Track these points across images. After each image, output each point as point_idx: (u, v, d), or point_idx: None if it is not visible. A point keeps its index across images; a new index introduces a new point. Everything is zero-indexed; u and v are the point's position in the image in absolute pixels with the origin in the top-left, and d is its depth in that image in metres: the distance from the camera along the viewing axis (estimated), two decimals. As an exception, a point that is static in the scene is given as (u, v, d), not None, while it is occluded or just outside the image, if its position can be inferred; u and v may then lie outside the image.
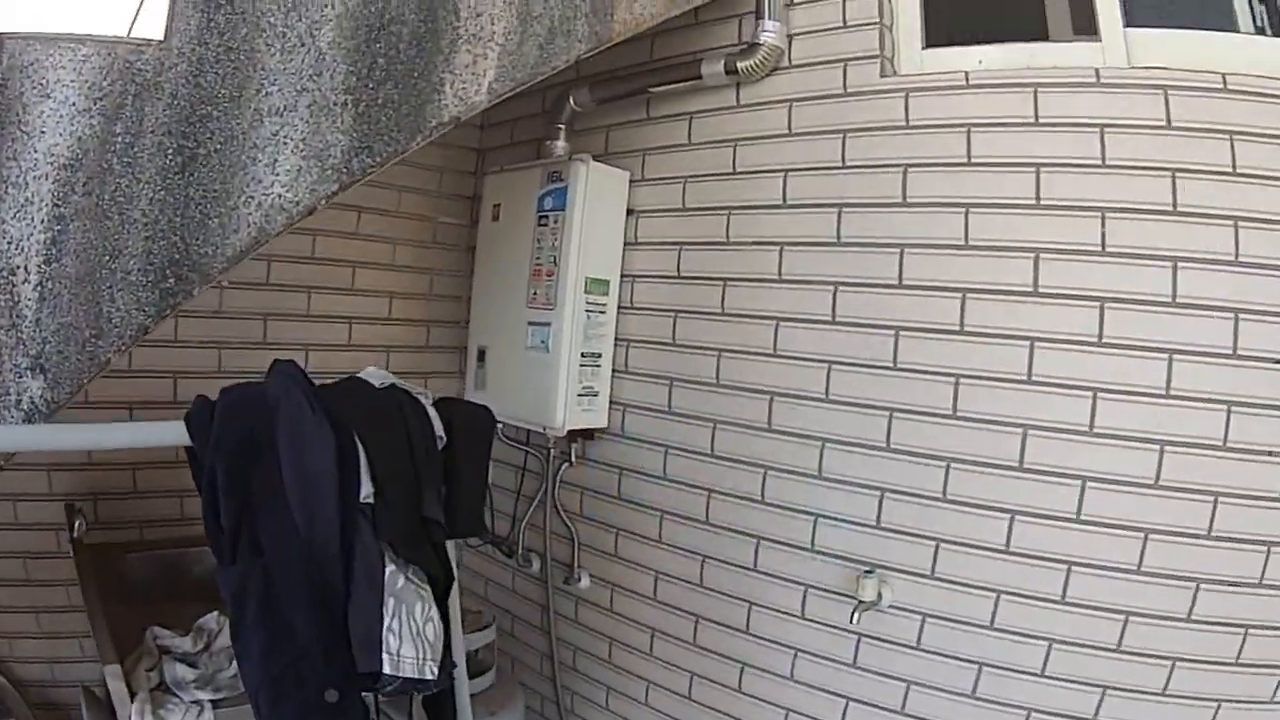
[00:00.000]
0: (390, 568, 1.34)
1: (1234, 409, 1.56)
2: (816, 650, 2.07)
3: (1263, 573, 1.54)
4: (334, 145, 1.34)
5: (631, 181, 2.42)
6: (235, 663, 1.49)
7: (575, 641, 2.62)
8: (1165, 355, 1.62)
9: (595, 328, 2.34)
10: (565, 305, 2.29)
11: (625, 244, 2.41)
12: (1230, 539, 1.57)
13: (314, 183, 1.31)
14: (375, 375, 1.55)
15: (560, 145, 2.49)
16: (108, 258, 1.22)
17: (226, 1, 1.24)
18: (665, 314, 2.33)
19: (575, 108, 2.44)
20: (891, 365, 1.90)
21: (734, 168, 2.22)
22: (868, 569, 1.91)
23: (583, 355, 2.33)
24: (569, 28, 1.62)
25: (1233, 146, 1.58)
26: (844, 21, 2.02)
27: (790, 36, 2.09)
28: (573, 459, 2.52)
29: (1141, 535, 1.64)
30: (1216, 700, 1.59)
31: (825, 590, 2.02)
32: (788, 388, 2.07)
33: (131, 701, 1.49)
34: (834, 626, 2.02)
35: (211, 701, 1.54)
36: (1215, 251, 1.59)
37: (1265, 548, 1.54)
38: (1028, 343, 1.74)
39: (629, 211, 2.40)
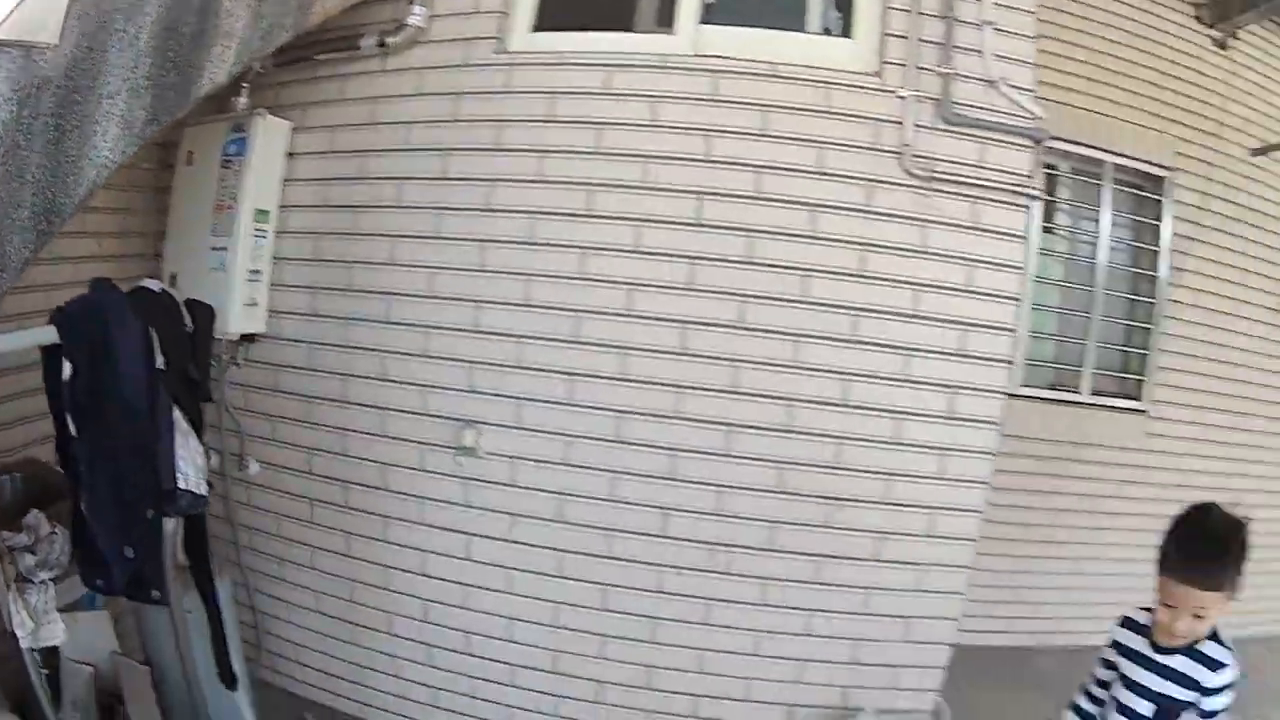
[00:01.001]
0: (176, 414, 2.00)
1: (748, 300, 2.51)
2: (438, 496, 2.83)
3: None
4: (138, 118, 1.87)
5: (294, 129, 3.03)
6: (65, 544, 2.08)
7: (251, 522, 3.20)
8: (688, 260, 2.55)
9: (259, 249, 2.94)
10: (239, 232, 2.88)
11: (284, 180, 3.02)
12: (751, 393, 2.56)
13: (124, 146, 1.79)
14: (153, 284, 2.21)
15: (243, 101, 3.03)
16: (11, 209, 1.73)
17: (94, 9, 1.76)
18: (311, 236, 2.97)
19: (258, 69, 2.99)
20: (480, 268, 2.69)
21: (374, 119, 2.90)
22: (466, 423, 2.70)
23: (249, 272, 2.93)
24: (283, 22, 2.22)
25: (765, 115, 2.51)
26: (475, 8, 2.76)
27: (432, 18, 2.80)
28: (239, 361, 3.10)
29: (677, 391, 2.58)
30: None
31: (438, 445, 2.78)
32: (405, 289, 2.80)
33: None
34: (448, 474, 2.78)
35: (52, 579, 2.05)
36: (735, 189, 2.52)
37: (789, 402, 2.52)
38: (580, 251, 2.60)
39: (290, 154, 3.01)
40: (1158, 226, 4.15)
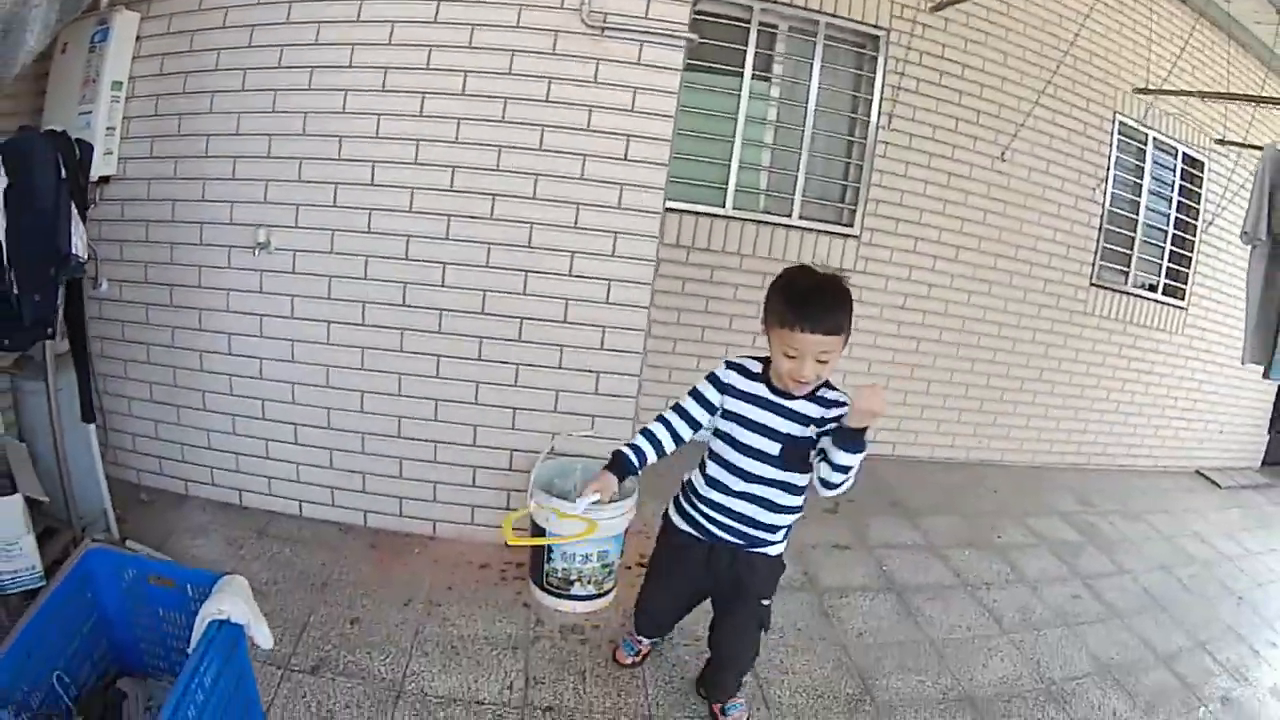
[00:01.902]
0: (72, 208, 2.99)
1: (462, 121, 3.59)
2: (239, 287, 3.83)
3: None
4: (51, 19, 2.85)
5: (141, 19, 4.06)
6: None
7: (101, 333, 3.98)
8: (419, 93, 3.58)
9: (113, 111, 3.92)
10: (101, 99, 3.80)
11: (133, 58, 4.08)
12: (464, 190, 3.61)
13: (43, 39, 2.80)
14: (58, 128, 3.11)
15: (105, 1, 3.92)
16: None
17: None
18: (152, 98, 3.95)
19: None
20: (270, 111, 3.69)
21: (200, 7, 3.85)
22: (261, 227, 3.76)
23: (107, 129, 3.94)
24: None
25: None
26: None
27: None
28: (95, 200, 4.06)
29: (411, 191, 3.62)
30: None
31: (240, 246, 3.79)
32: (219, 130, 3.72)
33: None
34: (248, 268, 3.81)
35: None
36: (453, 41, 3.53)
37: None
38: (341, 91, 3.62)
39: (137, 38, 4.07)
40: (873, 78, 5.36)
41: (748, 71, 5.15)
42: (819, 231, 5.42)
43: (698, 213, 5.19)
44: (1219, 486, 7.27)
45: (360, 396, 3.82)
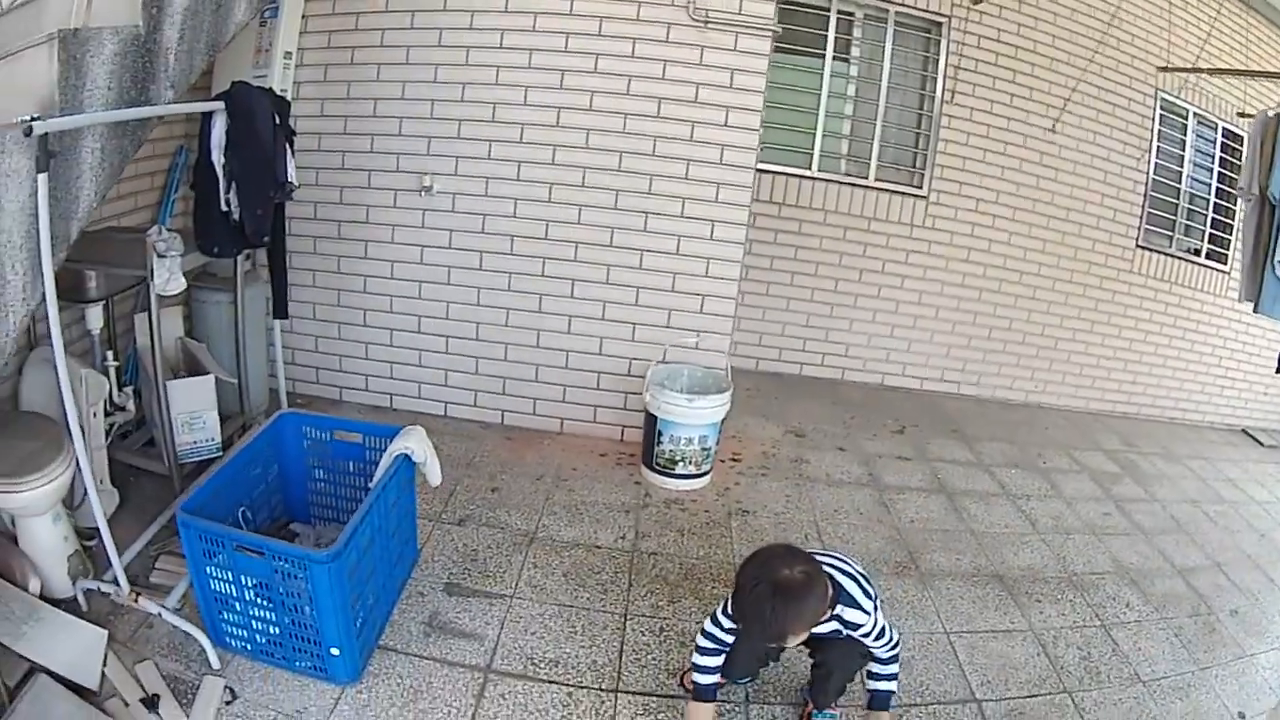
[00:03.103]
0: (286, 143, 4.12)
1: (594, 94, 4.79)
2: (404, 223, 5.04)
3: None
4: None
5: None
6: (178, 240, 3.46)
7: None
8: (559, 71, 4.75)
9: (285, 76, 4.98)
10: (275, 65, 4.92)
11: (300, 32, 5.15)
12: (598, 148, 4.82)
13: (248, 15, 3.36)
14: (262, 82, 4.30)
15: None
16: (194, 46, 2.86)
17: None
18: (320, 67, 5.00)
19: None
20: (434, 81, 4.84)
21: None
22: (426, 174, 5.03)
23: (280, 90, 5.10)
24: None
25: None
26: None
27: None
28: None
29: (551, 147, 4.79)
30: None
31: (405, 190, 5.02)
32: (386, 95, 4.88)
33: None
34: (411, 208, 5.04)
35: (179, 254, 3.41)
36: (585, 30, 4.68)
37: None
38: (495, 68, 4.78)
39: (303, 16, 5.26)
40: (937, 59, 6.43)
41: (829, 53, 6.29)
42: (892, 192, 6.53)
43: (788, 174, 6.28)
44: (1261, 444, 8.09)
45: (506, 313, 4.93)
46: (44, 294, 2.47)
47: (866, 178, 6.52)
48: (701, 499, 4.47)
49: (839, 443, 5.56)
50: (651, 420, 4.53)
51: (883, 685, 2.69)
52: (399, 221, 4.88)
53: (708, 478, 4.62)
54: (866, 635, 2.50)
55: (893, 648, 2.61)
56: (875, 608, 2.48)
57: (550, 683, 2.92)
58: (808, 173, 6.40)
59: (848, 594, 2.43)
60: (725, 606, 2.54)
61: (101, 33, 2.58)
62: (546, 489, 4.32)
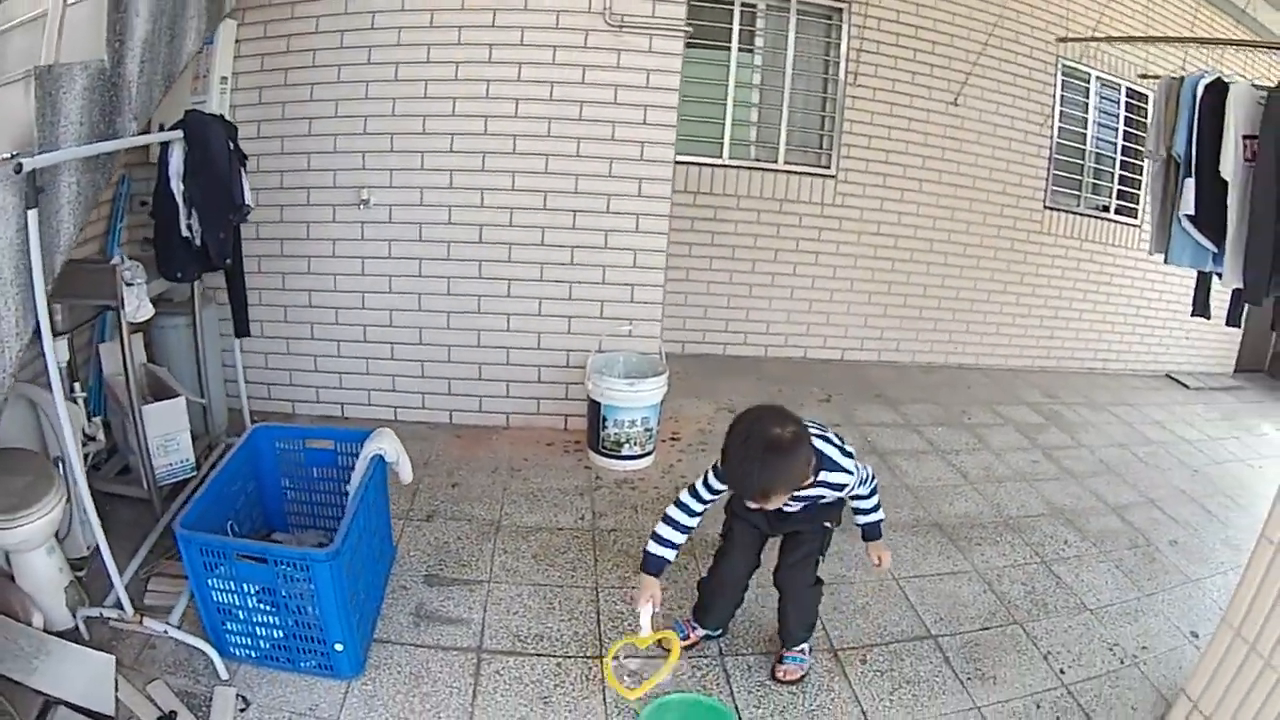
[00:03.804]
0: (242, 170, 4.45)
1: (519, 100, 5.29)
2: (344, 236, 5.46)
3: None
4: (201, 29, 3.57)
5: (238, 25, 5.69)
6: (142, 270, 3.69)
7: (219, 282, 5.89)
8: (485, 81, 5.20)
9: (223, 100, 5.45)
10: (212, 91, 5.26)
11: (234, 57, 5.58)
12: (522, 153, 5.30)
13: (196, 45, 3.74)
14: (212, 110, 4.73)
15: None
16: (153, 77, 3.13)
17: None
18: (254, 89, 5.45)
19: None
20: (364, 98, 5.37)
21: (292, 14, 5.39)
22: (363, 188, 5.51)
23: (218, 112, 5.61)
24: None
25: None
26: None
27: None
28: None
29: (481, 155, 5.26)
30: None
31: (343, 204, 5.43)
32: (321, 114, 5.34)
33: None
34: (350, 221, 5.46)
35: (143, 282, 3.66)
36: (508, 40, 5.14)
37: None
38: (423, 82, 5.24)
39: (236, 40, 5.72)
40: (839, 44, 7.02)
41: (734, 44, 6.86)
42: (801, 174, 7.13)
43: (700, 163, 6.82)
44: (1187, 387, 8.74)
45: (447, 316, 5.29)
46: (34, 328, 2.63)
47: (776, 161, 7.15)
48: (648, 477, 4.91)
49: None
50: (595, 406, 4.91)
51: (871, 518, 3.00)
52: (339, 235, 5.21)
53: (652, 457, 5.07)
54: (851, 490, 2.75)
55: (871, 489, 2.90)
56: (855, 463, 2.71)
57: (540, 655, 3.22)
58: (719, 161, 6.98)
59: (829, 459, 2.61)
60: (715, 469, 2.76)
61: (73, 68, 2.75)
62: (503, 480, 4.70)
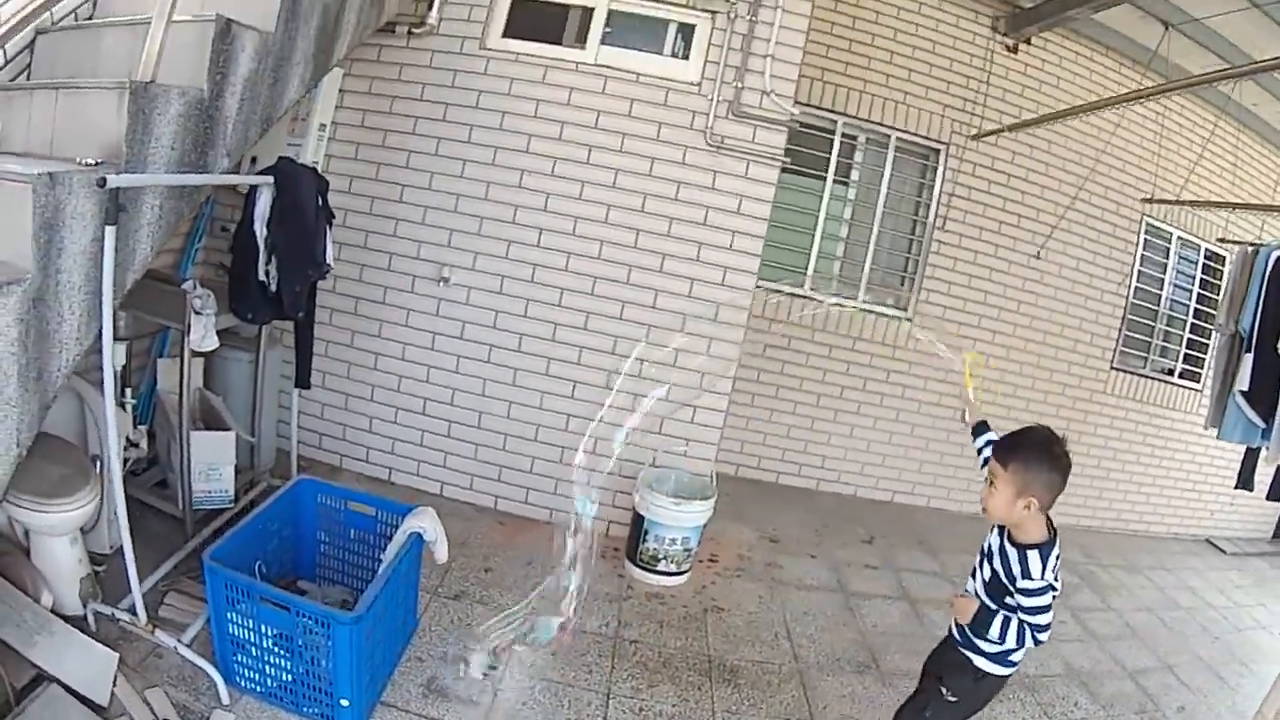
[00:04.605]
0: (325, 223, 4.62)
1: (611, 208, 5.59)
2: (419, 309, 5.73)
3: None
4: (305, 76, 3.78)
5: (344, 75, 5.75)
6: (213, 300, 4.01)
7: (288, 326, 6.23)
8: (579, 182, 5.49)
9: (319, 147, 5.59)
10: (310, 135, 5.52)
11: (335, 106, 5.85)
12: (610, 260, 5.58)
13: (299, 92, 3.76)
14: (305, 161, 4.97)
15: None
16: (252, 119, 3.40)
17: (289, 12, 3.47)
18: (353, 144, 5.66)
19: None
20: (459, 176, 5.59)
21: (399, 77, 5.65)
22: (445, 265, 5.83)
23: (312, 162, 5.52)
24: (369, 23, 4.42)
25: (631, 104, 5.43)
26: (467, 17, 5.66)
27: (440, 19, 5.65)
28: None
29: (565, 255, 5.56)
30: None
31: (424, 277, 5.73)
32: (413, 183, 5.59)
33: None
34: (428, 295, 5.77)
35: (212, 314, 3.98)
36: (608, 145, 5.43)
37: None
38: (519, 171, 5.52)
39: (341, 90, 5.96)
40: (933, 185, 7.30)
41: (830, 174, 7.13)
42: (878, 314, 7.35)
43: (781, 291, 6.80)
44: (1224, 553, 8.84)
45: (508, 406, 5.53)
46: (98, 335, 2.78)
47: (856, 298, 7.36)
48: (680, 595, 5.02)
49: (810, 550, 6.18)
50: (639, 519, 5.05)
51: (1025, 632, 2.80)
52: (415, 307, 5.52)
53: (687, 576, 5.18)
54: (1023, 595, 2.71)
55: (1038, 630, 2.76)
56: (1049, 591, 2.72)
57: None
58: (800, 290, 7.10)
59: (1049, 550, 2.74)
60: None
61: (169, 91, 2.87)
62: (536, 574, 4.57)
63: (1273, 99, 7.32)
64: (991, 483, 2.77)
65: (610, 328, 5.42)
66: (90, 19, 3.76)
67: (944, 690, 3.13)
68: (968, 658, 3.06)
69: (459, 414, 5.62)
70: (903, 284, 7.50)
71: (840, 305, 7.30)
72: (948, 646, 3.18)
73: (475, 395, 5.58)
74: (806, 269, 7.27)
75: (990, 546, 2.93)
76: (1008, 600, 2.82)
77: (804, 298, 7.30)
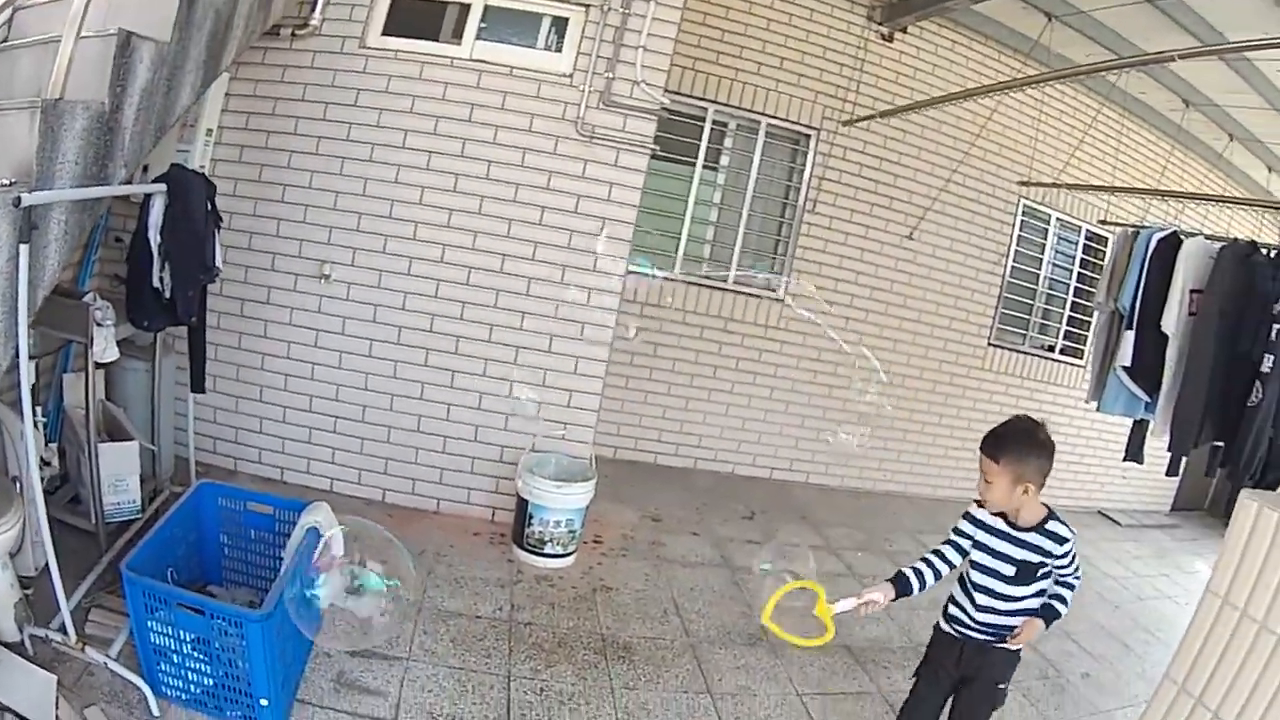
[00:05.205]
0: (215, 231, 4.77)
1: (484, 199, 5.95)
2: (302, 306, 5.91)
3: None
4: (196, 83, 3.83)
5: (230, 79, 5.89)
6: (111, 310, 3.98)
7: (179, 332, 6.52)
8: (454, 174, 5.77)
9: (205, 152, 5.69)
10: (197, 141, 5.65)
11: (221, 110, 6.08)
12: (483, 250, 5.90)
13: (191, 99, 3.87)
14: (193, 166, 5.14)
15: None
16: (148, 127, 3.45)
17: (184, 22, 3.52)
18: (238, 147, 5.82)
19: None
20: (339, 174, 5.77)
21: (283, 79, 5.83)
22: (326, 263, 6.09)
23: (200, 167, 5.60)
24: (255, 29, 4.51)
25: (505, 96, 5.72)
26: (349, 17, 5.81)
27: (323, 19, 5.78)
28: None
29: (441, 246, 5.81)
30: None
31: (305, 275, 5.90)
32: (294, 182, 5.82)
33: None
34: (310, 293, 5.95)
35: (112, 324, 4.00)
36: (483, 138, 5.73)
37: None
38: (395, 166, 5.80)
39: (227, 94, 6.14)
40: (803, 169, 7.75)
41: (700, 160, 7.53)
42: (749, 294, 7.78)
43: (652, 275, 6.90)
44: (1118, 524, 9.36)
45: (390, 399, 5.73)
46: (15, 355, 2.85)
47: (726, 280, 7.76)
48: (568, 576, 5.27)
49: (692, 527, 6.48)
50: (523, 503, 5.31)
51: (1056, 604, 3.13)
52: (298, 305, 5.66)
53: (573, 558, 5.45)
54: (1068, 553, 3.05)
55: (1076, 567, 3.12)
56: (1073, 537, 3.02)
57: None
58: (670, 274, 7.49)
59: (1057, 514, 3.02)
60: (962, 518, 3.24)
61: (75, 106, 2.92)
62: (428, 564, 5.00)
63: (1159, 87, 7.77)
64: (987, 479, 3.02)
65: (486, 316, 5.67)
66: (5, 40, 3.87)
67: (1002, 685, 3.36)
68: (1008, 648, 3.31)
69: (344, 409, 5.78)
70: (773, 267, 7.98)
71: (711, 286, 7.77)
72: (984, 649, 3.34)
73: (358, 390, 5.75)
74: (677, 254, 7.68)
75: (993, 545, 3.18)
76: (1039, 580, 3.14)
77: (674, 281, 7.72)
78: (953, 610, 3.37)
